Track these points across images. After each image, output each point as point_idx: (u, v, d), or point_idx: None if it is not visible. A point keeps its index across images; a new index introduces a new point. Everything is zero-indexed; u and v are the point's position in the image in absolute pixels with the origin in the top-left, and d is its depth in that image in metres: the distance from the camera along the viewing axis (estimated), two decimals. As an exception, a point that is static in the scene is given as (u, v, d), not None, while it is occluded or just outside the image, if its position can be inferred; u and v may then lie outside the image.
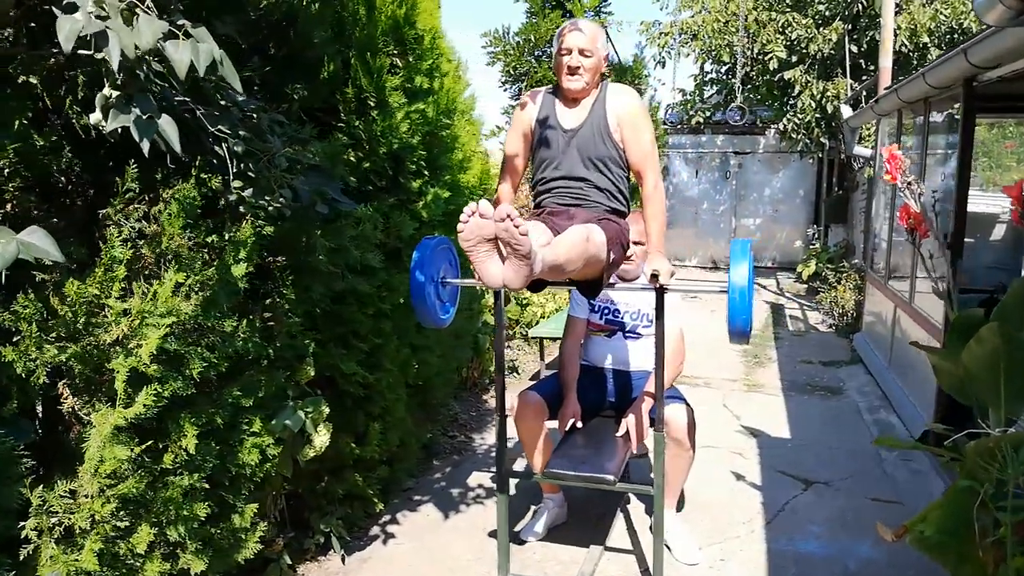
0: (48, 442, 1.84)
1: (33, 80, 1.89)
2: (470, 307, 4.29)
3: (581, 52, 2.46)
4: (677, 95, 11.20)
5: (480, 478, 3.81)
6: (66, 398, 1.85)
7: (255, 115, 2.11)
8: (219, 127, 1.97)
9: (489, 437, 4.40)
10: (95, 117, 1.48)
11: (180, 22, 1.46)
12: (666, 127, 10.61)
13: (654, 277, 2.47)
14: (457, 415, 4.59)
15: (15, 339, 1.66)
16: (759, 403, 5.08)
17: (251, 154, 2.05)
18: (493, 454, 4.19)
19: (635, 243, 3.07)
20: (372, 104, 2.73)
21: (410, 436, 3.53)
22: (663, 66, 10.50)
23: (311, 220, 2.32)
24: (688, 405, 3.07)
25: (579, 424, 3.06)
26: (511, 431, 2.92)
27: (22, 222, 1.97)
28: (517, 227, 1.82)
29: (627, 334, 3.27)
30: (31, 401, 1.73)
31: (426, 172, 2.99)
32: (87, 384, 1.87)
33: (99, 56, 1.41)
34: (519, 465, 3.88)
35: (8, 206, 1.92)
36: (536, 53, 7.95)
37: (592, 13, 7.86)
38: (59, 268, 1.90)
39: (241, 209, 2.06)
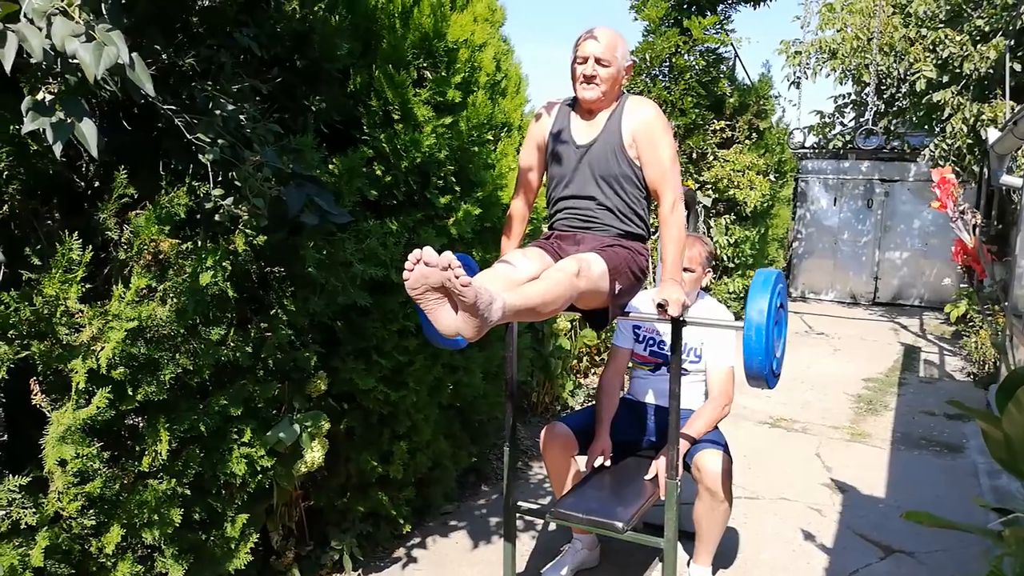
0: (20, 439, 1.90)
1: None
2: (529, 328, 4.15)
3: (597, 61, 2.29)
4: (815, 117, 10.52)
5: (529, 507, 3.64)
6: (36, 395, 1.90)
7: (245, 124, 2.11)
8: (198, 135, 1.99)
9: (548, 466, 4.22)
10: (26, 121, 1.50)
11: (103, 26, 1.45)
12: (794, 149, 9.96)
13: (661, 307, 2.25)
14: (519, 440, 4.45)
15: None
16: (859, 456, 4.56)
17: (233, 163, 2.05)
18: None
19: (685, 269, 2.84)
20: (396, 117, 2.68)
21: (446, 458, 3.43)
22: (797, 86, 9.91)
23: (299, 230, 2.29)
24: (727, 452, 2.77)
25: (607, 462, 2.85)
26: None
27: (20, 224, 2.09)
28: (458, 278, 1.68)
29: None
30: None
31: (457, 188, 2.91)
32: (56, 382, 1.91)
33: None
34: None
35: (5, 207, 2.01)
36: (652, 72, 7.71)
37: (713, 30, 7.52)
38: (46, 269, 1.97)
39: (216, 218, 2.05)
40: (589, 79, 2.30)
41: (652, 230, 2.74)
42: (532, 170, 2.48)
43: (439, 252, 1.73)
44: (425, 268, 1.72)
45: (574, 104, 2.43)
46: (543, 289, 2.03)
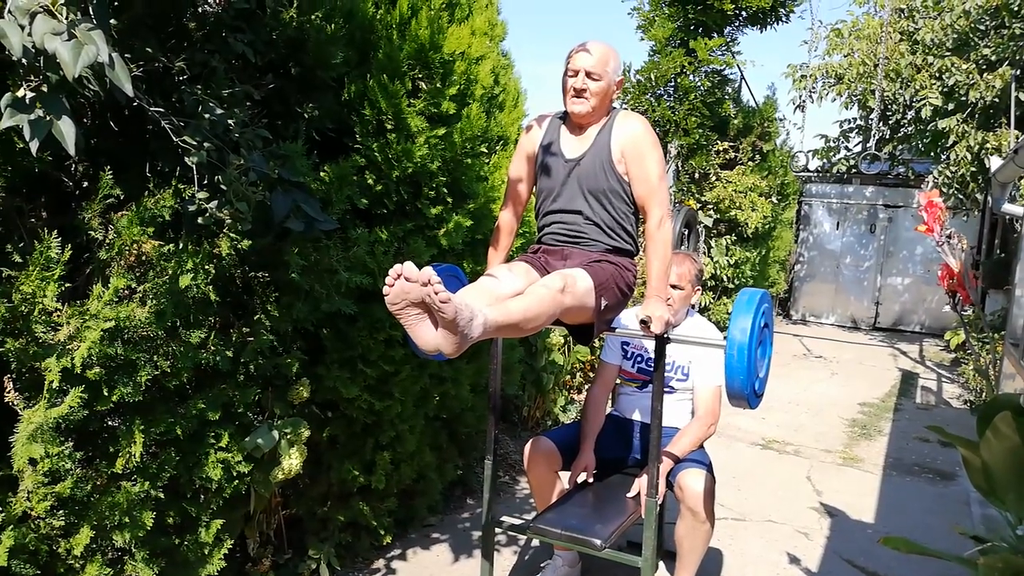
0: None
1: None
2: (522, 342, 4.14)
3: (588, 74, 2.29)
4: (819, 141, 10.53)
5: (509, 523, 3.61)
6: (9, 392, 1.89)
7: (233, 128, 2.11)
8: (184, 138, 1.99)
9: (536, 482, 4.19)
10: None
11: (85, 24, 1.46)
12: (797, 173, 9.94)
13: (644, 324, 2.23)
14: (508, 454, 4.42)
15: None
16: (850, 480, 4.53)
17: (219, 167, 2.05)
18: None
19: (674, 286, 2.83)
20: (390, 127, 2.69)
21: (431, 470, 3.41)
22: (802, 110, 9.93)
23: (285, 236, 2.29)
24: (710, 472, 2.74)
25: (590, 479, 2.83)
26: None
27: (3, 221, 2.08)
28: (437, 294, 1.67)
29: (659, 386, 2.99)
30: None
31: (448, 199, 2.90)
32: (30, 381, 1.91)
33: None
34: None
35: (-12, 203, 2.01)
36: (657, 92, 7.73)
37: (718, 52, 7.54)
38: (27, 267, 1.96)
39: (200, 221, 2.05)
40: (579, 93, 2.30)
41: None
42: (521, 182, 2.47)
43: (428, 264, 1.72)
44: (405, 283, 1.72)
45: (565, 118, 2.44)
46: (526, 305, 2.02)
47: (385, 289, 1.75)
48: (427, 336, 1.79)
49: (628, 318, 2.79)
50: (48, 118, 1.48)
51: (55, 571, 2.02)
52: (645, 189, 2.31)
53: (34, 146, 1.45)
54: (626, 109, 7.86)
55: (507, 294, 2.10)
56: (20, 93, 1.52)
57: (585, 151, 2.34)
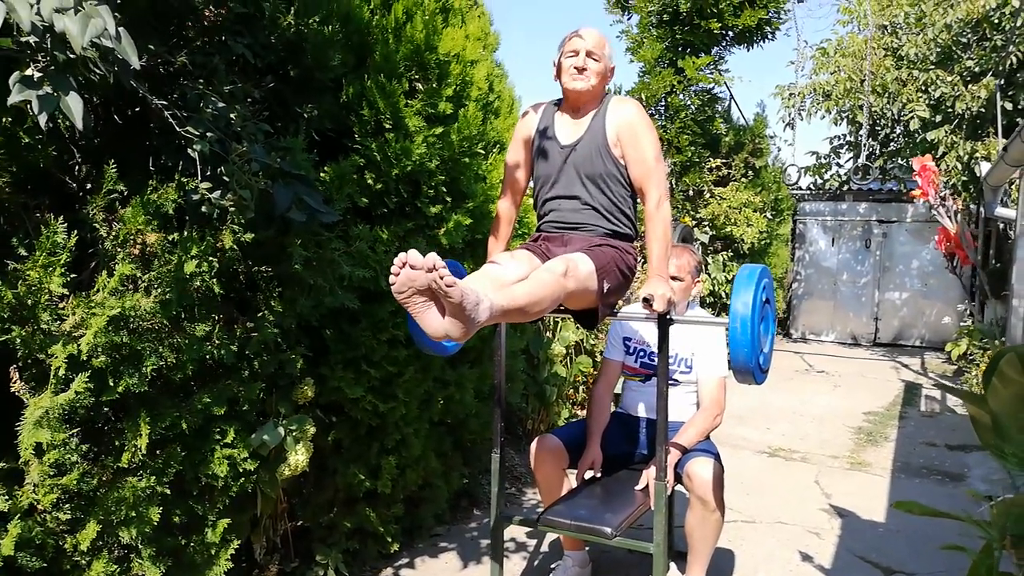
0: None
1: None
2: (524, 353, 4.14)
3: (588, 54, 2.34)
4: (810, 158, 10.65)
5: (515, 532, 3.58)
6: (15, 382, 1.88)
7: (235, 121, 2.14)
8: (187, 128, 2.02)
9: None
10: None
11: (91, 0, 1.49)
12: (790, 187, 10.02)
13: (646, 302, 2.24)
14: (513, 467, 4.38)
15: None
16: (858, 483, 4.49)
17: (223, 159, 2.08)
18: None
19: (673, 278, 2.85)
20: (388, 126, 2.72)
21: (436, 477, 3.38)
22: (792, 127, 10.07)
23: (287, 230, 2.31)
24: (718, 460, 2.73)
25: (597, 474, 2.81)
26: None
27: (8, 216, 2.10)
28: (443, 278, 1.68)
29: (663, 380, 2.99)
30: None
31: (448, 198, 2.93)
32: (36, 371, 1.90)
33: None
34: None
35: (-8, 198, 2.03)
36: (648, 112, 7.83)
37: (707, 70, 7.67)
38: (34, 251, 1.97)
39: (203, 209, 2.07)
40: (580, 70, 2.34)
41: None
42: (519, 168, 2.50)
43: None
44: (411, 271, 1.72)
45: (559, 105, 2.47)
46: (530, 289, 2.03)
47: (391, 278, 1.76)
48: (435, 323, 1.79)
49: (629, 311, 2.81)
50: (56, 94, 1.50)
51: (62, 567, 2.00)
52: (642, 171, 2.33)
53: (42, 119, 1.47)
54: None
55: (511, 280, 2.11)
56: (28, 72, 1.54)
57: (580, 136, 2.37)
